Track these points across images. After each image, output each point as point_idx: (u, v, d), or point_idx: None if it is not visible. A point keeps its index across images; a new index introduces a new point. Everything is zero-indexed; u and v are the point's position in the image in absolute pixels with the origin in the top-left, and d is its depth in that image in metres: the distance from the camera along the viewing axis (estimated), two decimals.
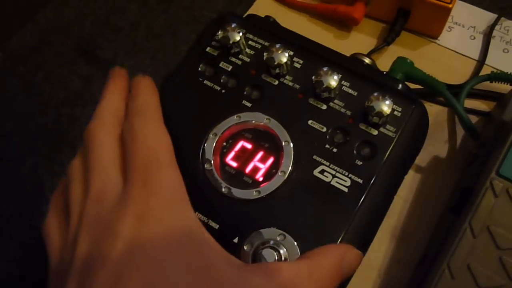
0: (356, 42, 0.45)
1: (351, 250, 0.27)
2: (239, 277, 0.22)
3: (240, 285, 0.22)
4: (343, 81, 0.32)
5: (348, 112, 0.31)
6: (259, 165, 0.31)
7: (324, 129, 0.31)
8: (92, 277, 0.21)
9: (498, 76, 0.38)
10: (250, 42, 0.34)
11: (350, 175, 0.30)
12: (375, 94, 0.30)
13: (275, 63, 0.32)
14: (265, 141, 0.31)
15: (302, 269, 0.24)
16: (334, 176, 0.30)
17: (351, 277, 0.29)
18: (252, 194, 0.30)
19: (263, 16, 0.38)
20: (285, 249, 0.28)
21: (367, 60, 0.36)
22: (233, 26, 0.33)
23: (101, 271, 0.21)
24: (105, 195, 0.24)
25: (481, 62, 0.43)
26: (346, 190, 0.29)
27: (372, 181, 0.29)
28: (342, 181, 0.30)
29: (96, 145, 0.26)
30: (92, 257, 0.22)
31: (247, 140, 0.32)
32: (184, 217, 0.24)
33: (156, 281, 0.21)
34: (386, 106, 0.29)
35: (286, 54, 0.32)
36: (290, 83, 0.33)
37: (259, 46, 0.34)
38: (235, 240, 0.29)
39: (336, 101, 0.32)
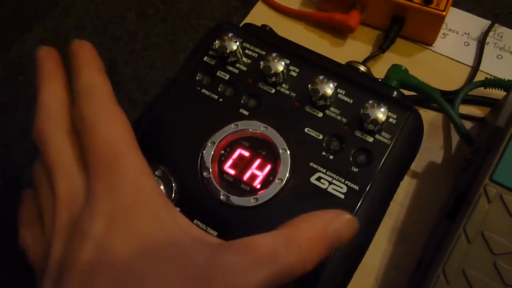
0: (351, 50, 0.46)
1: (338, 217, 0.24)
2: (213, 259, 0.21)
3: (214, 268, 0.21)
4: (338, 89, 0.32)
5: (344, 120, 0.32)
6: (257, 172, 0.31)
7: (321, 137, 0.31)
8: (63, 280, 0.21)
9: (492, 82, 0.39)
10: (246, 51, 0.34)
11: (346, 182, 0.30)
12: (370, 101, 0.30)
13: (272, 72, 0.32)
14: (262, 149, 0.32)
15: (279, 240, 0.22)
16: (330, 183, 0.30)
17: (348, 281, 0.30)
18: (250, 201, 0.30)
19: (259, 24, 0.38)
20: None
21: (362, 68, 0.36)
22: (230, 35, 0.33)
23: (71, 274, 0.20)
24: (73, 196, 0.23)
25: (475, 68, 0.44)
26: (342, 196, 0.30)
27: (368, 188, 0.30)
28: (338, 187, 0.30)
29: (50, 145, 0.24)
30: (63, 260, 0.21)
31: (245, 148, 0.32)
32: (152, 207, 0.22)
33: (127, 280, 0.20)
34: (381, 114, 0.30)
35: (283, 63, 0.32)
36: (287, 91, 0.33)
37: (256, 55, 0.34)
38: None
39: (332, 108, 0.32)
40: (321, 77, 0.31)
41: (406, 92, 0.37)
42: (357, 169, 0.30)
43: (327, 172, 0.30)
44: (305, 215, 0.24)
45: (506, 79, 0.38)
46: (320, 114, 0.32)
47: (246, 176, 0.31)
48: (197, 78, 0.34)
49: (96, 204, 0.22)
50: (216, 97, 0.34)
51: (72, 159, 0.24)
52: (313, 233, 0.23)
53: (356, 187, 0.30)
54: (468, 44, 0.45)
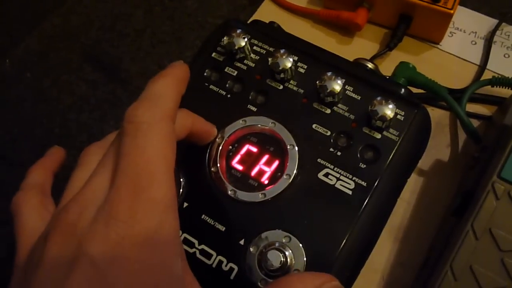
0: (359, 48, 0.46)
1: (329, 283, 0.23)
2: None
3: None
4: (346, 86, 0.33)
5: (352, 116, 0.32)
6: (265, 168, 0.31)
7: (328, 133, 0.32)
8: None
9: (499, 81, 0.39)
10: (255, 48, 0.35)
11: (354, 178, 0.30)
12: (378, 98, 0.30)
13: (280, 68, 0.32)
14: (270, 144, 0.32)
15: None
16: (338, 179, 0.30)
17: (355, 277, 0.30)
18: (258, 197, 0.30)
19: (267, 22, 0.38)
20: (290, 251, 0.28)
21: (370, 65, 0.36)
22: (238, 32, 0.33)
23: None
24: (94, 192, 0.22)
25: (482, 67, 0.44)
26: (350, 192, 0.30)
27: (375, 184, 0.30)
28: (346, 184, 0.30)
29: (19, 214, 0.25)
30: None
31: (253, 143, 0.32)
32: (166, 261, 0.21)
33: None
34: (389, 110, 0.30)
35: (291, 59, 0.32)
36: (295, 88, 0.33)
37: (264, 52, 0.34)
38: (241, 242, 0.29)
39: (340, 105, 0.32)
40: (329, 73, 0.31)
41: (414, 90, 0.37)
42: (364, 166, 0.30)
43: (335, 168, 0.30)
44: (295, 276, 0.23)
45: None
46: (328, 111, 0.32)
47: (254, 172, 0.31)
48: (205, 74, 0.34)
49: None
50: (224, 93, 0.34)
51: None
52: None
53: (364, 184, 0.30)
54: (475, 43, 0.45)
